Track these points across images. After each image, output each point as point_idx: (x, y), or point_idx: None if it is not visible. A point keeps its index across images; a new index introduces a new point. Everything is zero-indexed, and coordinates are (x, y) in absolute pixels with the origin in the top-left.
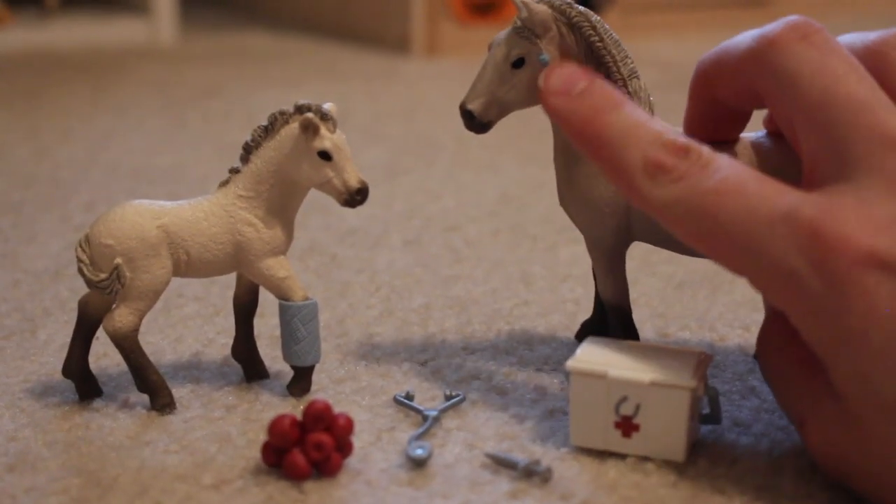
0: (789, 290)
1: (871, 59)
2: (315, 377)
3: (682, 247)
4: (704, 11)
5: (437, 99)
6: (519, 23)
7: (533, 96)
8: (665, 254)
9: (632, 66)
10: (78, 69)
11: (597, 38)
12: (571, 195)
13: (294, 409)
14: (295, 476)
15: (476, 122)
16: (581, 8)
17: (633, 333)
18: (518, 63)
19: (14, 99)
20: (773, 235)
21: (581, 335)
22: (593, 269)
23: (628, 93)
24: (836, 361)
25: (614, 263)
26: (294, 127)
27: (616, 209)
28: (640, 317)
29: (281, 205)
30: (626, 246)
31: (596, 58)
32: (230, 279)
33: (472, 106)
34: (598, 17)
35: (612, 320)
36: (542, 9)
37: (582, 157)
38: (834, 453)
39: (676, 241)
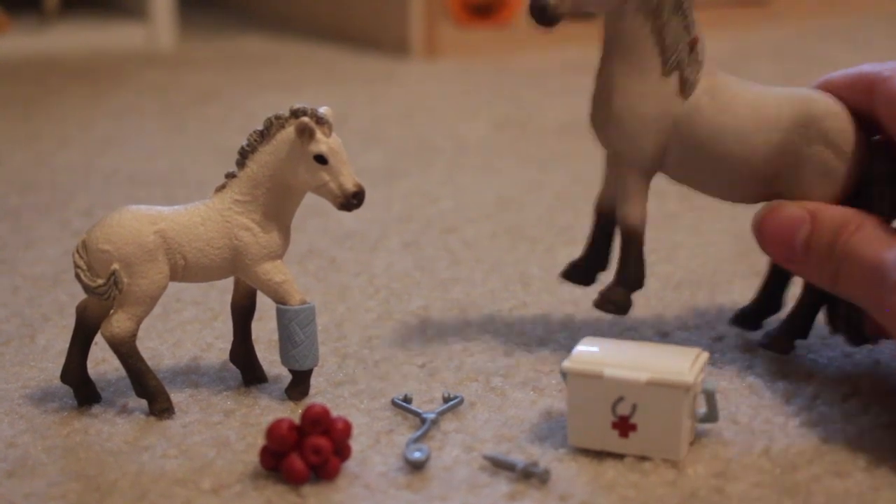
0: None
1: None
2: (313, 381)
3: (700, 181)
4: (704, 10)
5: (436, 101)
6: None
7: None
8: (663, 253)
9: None
10: (77, 75)
11: None
12: (610, 112)
13: (292, 412)
14: (293, 480)
15: (548, 14)
16: None
17: (641, 265)
18: None
19: (13, 105)
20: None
21: (567, 276)
22: (599, 206)
23: (691, 17)
24: None
25: (644, 185)
26: (290, 131)
27: (662, 126)
28: (638, 317)
29: (277, 209)
30: (656, 171)
31: None
32: (228, 283)
33: None
34: None
35: (624, 251)
36: None
37: (633, 71)
38: None
39: (699, 179)
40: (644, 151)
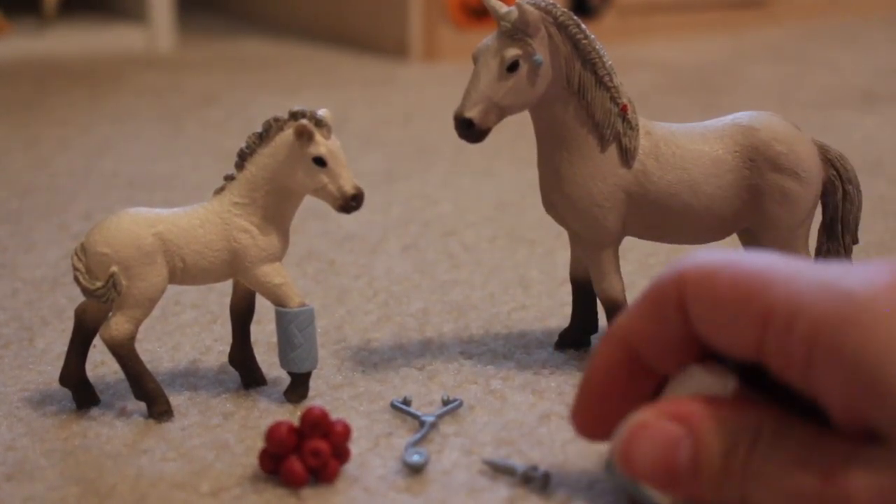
0: None
1: None
2: (312, 383)
3: (668, 235)
4: (702, 13)
5: (435, 104)
6: (509, 26)
7: (527, 98)
8: (662, 256)
9: (609, 63)
10: (76, 77)
11: (582, 36)
12: (563, 197)
13: (291, 415)
14: (292, 483)
15: (475, 130)
16: (563, 8)
17: None
18: (513, 66)
19: (12, 108)
20: None
21: (560, 345)
22: (573, 276)
23: (614, 86)
24: None
25: (615, 256)
26: (288, 133)
27: (616, 201)
28: None
29: (276, 211)
30: (622, 240)
31: (582, 55)
32: (227, 286)
33: (472, 113)
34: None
35: (613, 320)
36: (533, 10)
37: (574, 157)
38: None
39: (666, 235)
40: (606, 230)
